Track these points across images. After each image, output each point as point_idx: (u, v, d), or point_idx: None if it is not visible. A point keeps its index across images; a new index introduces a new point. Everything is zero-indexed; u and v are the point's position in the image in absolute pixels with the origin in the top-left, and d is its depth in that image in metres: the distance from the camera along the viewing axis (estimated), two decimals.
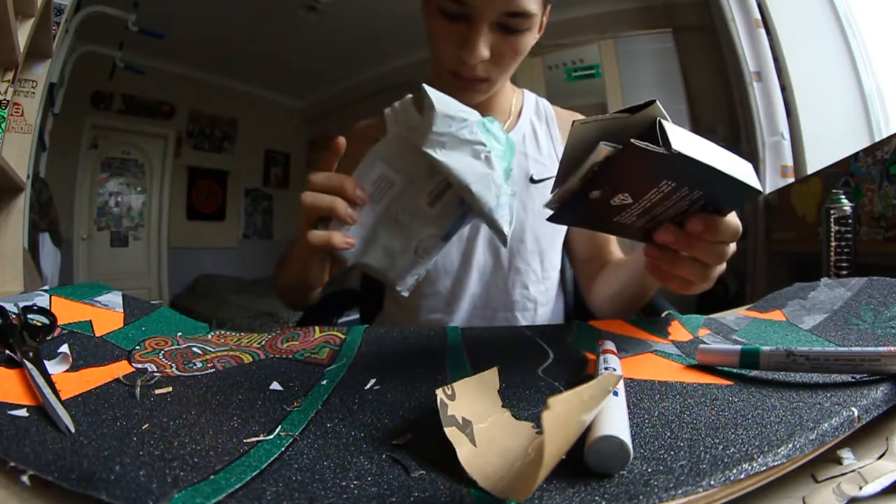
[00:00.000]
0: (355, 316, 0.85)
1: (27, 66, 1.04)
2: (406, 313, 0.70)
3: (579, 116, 0.82)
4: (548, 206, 0.36)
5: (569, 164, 0.33)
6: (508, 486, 0.18)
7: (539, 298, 0.70)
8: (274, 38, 2.95)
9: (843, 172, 1.11)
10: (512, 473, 0.19)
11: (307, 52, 3.15)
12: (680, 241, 0.35)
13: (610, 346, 0.35)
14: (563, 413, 0.17)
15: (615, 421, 0.21)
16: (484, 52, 0.53)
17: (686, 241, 0.35)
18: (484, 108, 0.68)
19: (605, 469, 0.19)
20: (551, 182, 0.67)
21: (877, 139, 1.30)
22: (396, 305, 0.72)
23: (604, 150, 0.30)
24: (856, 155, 1.06)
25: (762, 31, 1.71)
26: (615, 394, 0.23)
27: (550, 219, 0.38)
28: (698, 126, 2.28)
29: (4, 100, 0.90)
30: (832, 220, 0.77)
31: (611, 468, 0.19)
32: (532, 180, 0.66)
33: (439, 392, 0.23)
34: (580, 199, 0.33)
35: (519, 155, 0.66)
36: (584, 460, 0.19)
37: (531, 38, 0.57)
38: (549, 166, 0.68)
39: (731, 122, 2.03)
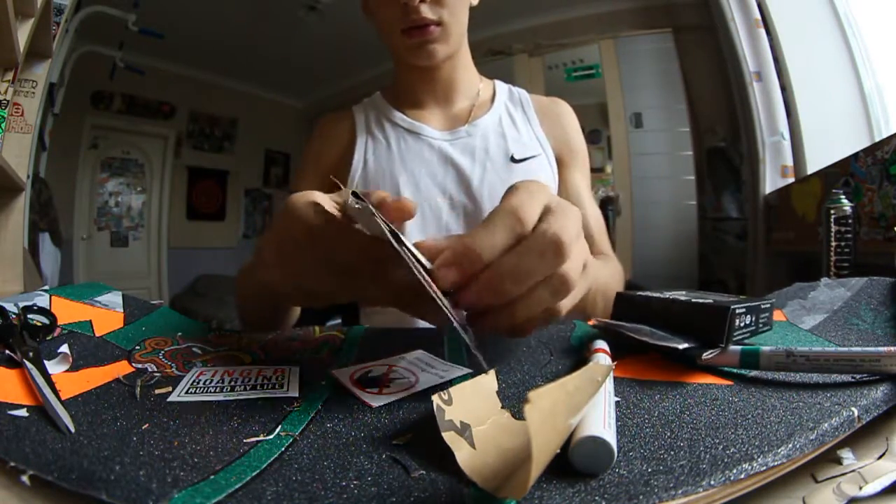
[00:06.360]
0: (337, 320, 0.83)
1: (27, 66, 1.04)
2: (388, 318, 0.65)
3: (559, 101, 0.77)
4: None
5: None
6: (505, 484, 0.18)
7: None
8: (274, 38, 2.95)
9: (843, 172, 1.11)
10: (509, 472, 0.19)
11: (307, 52, 3.15)
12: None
13: (601, 345, 0.35)
14: (548, 406, 0.17)
15: (597, 420, 0.20)
16: None
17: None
18: (448, 89, 0.69)
19: (590, 470, 0.19)
20: (532, 160, 0.66)
21: (877, 139, 1.30)
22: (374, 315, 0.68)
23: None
24: (856, 155, 1.06)
25: (762, 31, 1.71)
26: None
27: None
28: (698, 126, 2.29)
29: (4, 100, 0.90)
30: (832, 220, 0.77)
31: (595, 469, 0.19)
32: (513, 159, 0.66)
33: (435, 398, 0.23)
34: None
35: (498, 136, 0.67)
36: (569, 460, 0.19)
37: None
38: (529, 146, 0.68)
39: (731, 122, 2.03)
